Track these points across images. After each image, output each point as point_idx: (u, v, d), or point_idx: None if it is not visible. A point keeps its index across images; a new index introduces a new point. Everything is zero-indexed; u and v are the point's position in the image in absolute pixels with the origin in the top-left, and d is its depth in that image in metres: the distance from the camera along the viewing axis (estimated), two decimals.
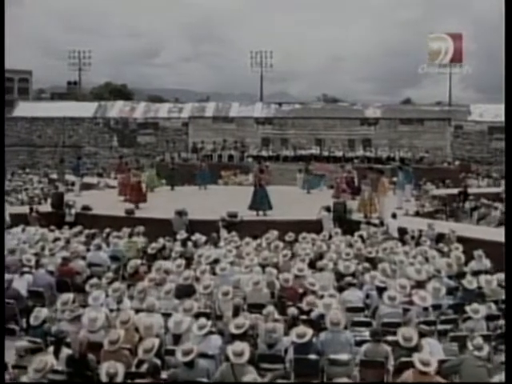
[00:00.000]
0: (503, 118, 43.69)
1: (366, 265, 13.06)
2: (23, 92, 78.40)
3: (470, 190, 29.14)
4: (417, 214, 22.52)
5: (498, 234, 16.40)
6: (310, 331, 8.50)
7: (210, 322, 8.89)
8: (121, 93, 75.54)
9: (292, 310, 9.63)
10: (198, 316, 9.48)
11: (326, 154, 41.06)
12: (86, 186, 30.41)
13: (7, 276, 11.69)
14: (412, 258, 14.05)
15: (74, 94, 66.04)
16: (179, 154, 40.93)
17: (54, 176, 35.48)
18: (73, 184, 29.58)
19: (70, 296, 10.08)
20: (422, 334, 8.65)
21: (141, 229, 17.27)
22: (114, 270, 14.37)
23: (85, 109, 52.29)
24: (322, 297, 10.69)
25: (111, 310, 10.04)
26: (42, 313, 9.32)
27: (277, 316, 9.51)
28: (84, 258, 14.35)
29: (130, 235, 16.87)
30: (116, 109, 52.65)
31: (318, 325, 9.42)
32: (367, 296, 11.47)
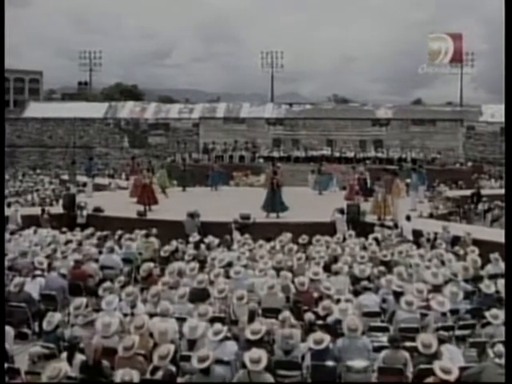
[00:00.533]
0: None
1: (382, 268, 12.87)
2: (34, 92, 78.87)
3: (482, 192, 28.89)
4: (431, 215, 22.30)
5: None
6: (327, 337, 8.35)
7: (225, 328, 8.74)
8: (131, 93, 75.67)
9: (309, 316, 9.45)
10: (212, 321, 9.37)
11: (337, 154, 41.01)
12: (97, 187, 30.31)
13: (19, 279, 11.55)
14: (427, 261, 13.86)
15: (84, 95, 66.11)
16: (190, 155, 40.89)
17: (65, 177, 35.46)
18: (84, 185, 29.49)
19: (82, 300, 9.92)
20: (441, 341, 8.47)
21: (153, 231, 17.16)
22: (127, 273, 14.30)
23: (95, 109, 52.35)
24: (338, 301, 10.53)
25: (125, 315, 9.89)
26: (54, 317, 9.17)
27: (293, 321, 9.36)
28: (96, 260, 14.23)
29: (147, 235, 16.78)
30: (126, 109, 52.68)
31: (334, 330, 9.26)
32: (383, 300, 11.30)
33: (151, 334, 8.81)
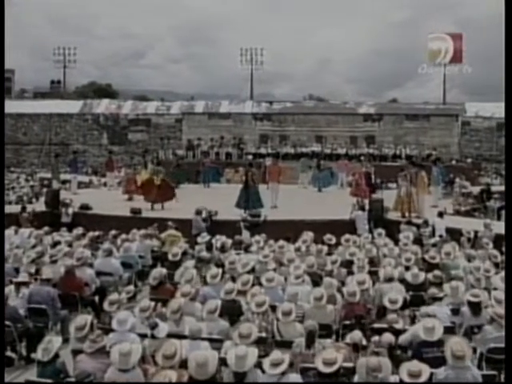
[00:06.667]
0: (500, 115, 42.41)
1: (438, 273, 10.70)
2: (5, 91, 76.11)
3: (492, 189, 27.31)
4: (457, 212, 20.39)
5: None
6: (426, 368, 6.21)
7: (287, 357, 6.51)
8: (105, 92, 73.61)
9: (388, 337, 7.27)
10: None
11: (327, 151, 39.17)
12: (79, 185, 28.14)
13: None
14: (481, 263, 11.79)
15: (57, 94, 63.60)
16: (174, 152, 38.81)
17: (43, 175, 33.80)
18: (63, 183, 27.25)
19: (86, 318, 7.63)
20: None
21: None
22: (127, 280, 12.20)
23: (70, 107, 50.07)
24: (413, 317, 8.39)
25: (141, 336, 7.64)
26: (53, 344, 6.82)
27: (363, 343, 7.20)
28: (91, 265, 11.95)
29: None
30: (102, 107, 50.35)
31: (419, 355, 7.11)
32: (454, 312, 9.14)
33: (183, 363, 6.58)
